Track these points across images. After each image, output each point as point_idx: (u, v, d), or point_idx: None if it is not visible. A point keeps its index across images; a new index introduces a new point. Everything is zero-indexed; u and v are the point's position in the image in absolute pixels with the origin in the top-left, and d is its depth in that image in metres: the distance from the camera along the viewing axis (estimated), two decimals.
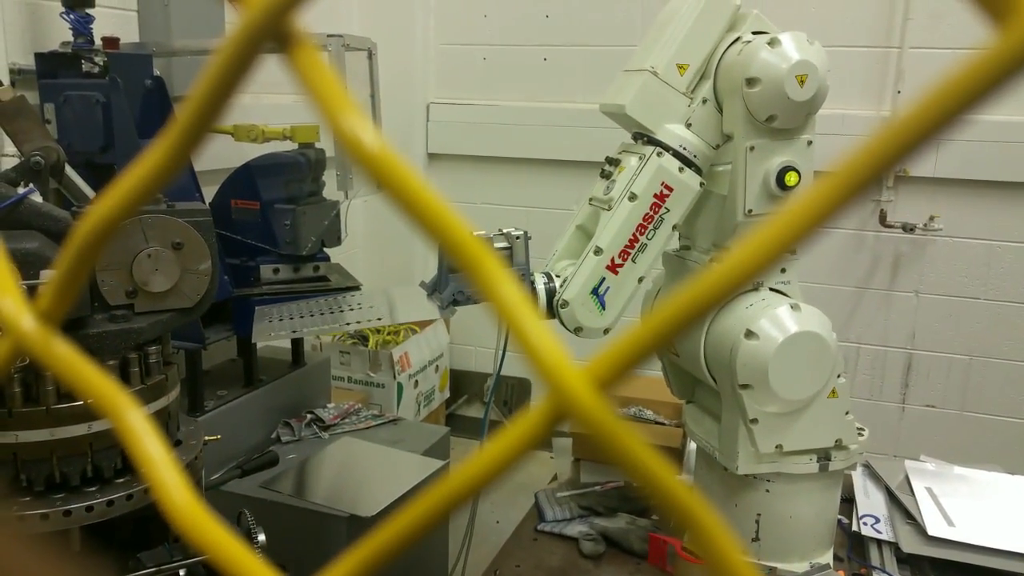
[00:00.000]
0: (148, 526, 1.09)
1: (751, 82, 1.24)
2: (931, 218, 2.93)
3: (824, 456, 1.38)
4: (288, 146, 1.95)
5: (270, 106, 2.41)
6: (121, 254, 1.03)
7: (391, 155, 0.17)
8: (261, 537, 1.18)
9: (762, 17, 1.33)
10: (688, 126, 1.32)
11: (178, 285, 1.07)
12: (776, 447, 1.35)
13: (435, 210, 0.17)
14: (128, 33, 1.97)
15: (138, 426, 0.22)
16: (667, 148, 1.31)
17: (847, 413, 1.38)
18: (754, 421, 1.33)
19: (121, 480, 1.01)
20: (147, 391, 1.04)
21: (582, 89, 3.24)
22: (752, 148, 1.28)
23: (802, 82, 1.23)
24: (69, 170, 1.28)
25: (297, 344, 2.22)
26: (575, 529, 1.60)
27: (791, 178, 1.27)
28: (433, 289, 1.55)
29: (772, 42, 1.24)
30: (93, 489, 0.99)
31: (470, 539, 1.74)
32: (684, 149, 1.31)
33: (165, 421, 1.09)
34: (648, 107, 1.32)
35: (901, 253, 3.07)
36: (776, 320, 1.30)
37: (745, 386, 1.30)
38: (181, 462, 1.09)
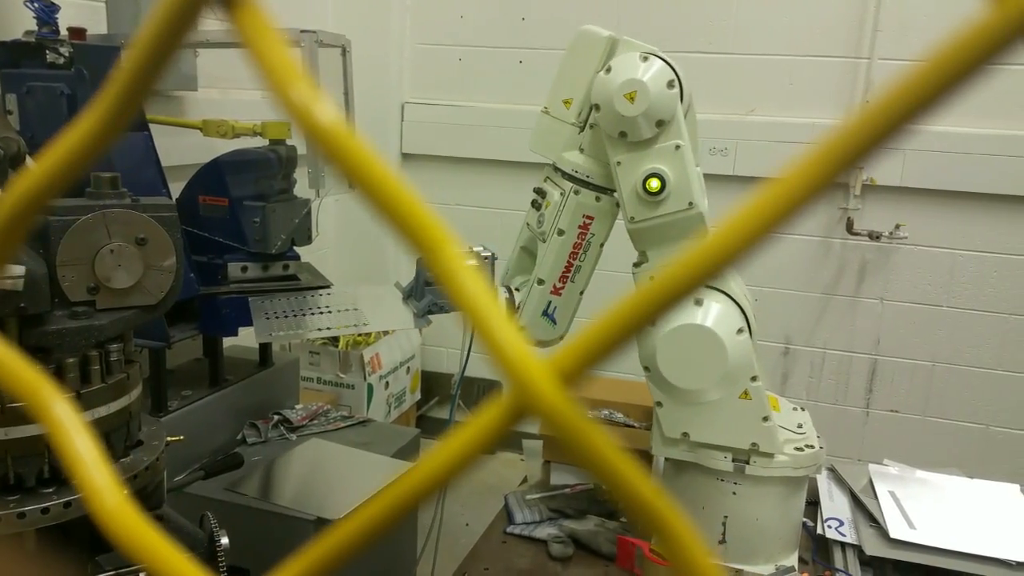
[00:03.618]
0: None
1: (595, 108, 1.37)
2: (897, 226, 2.99)
3: (742, 459, 1.41)
4: (259, 142, 1.92)
5: (240, 102, 2.37)
6: (83, 249, 1.01)
7: (344, 128, 0.16)
8: (225, 540, 1.16)
9: (631, 41, 1.41)
10: (581, 151, 1.45)
11: (141, 282, 1.04)
12: (683, 434, 1.43)
13: (392, 190, 0.16)
14: (96, 24, 1.93)
15: (65, 420, 0.21)
16: (565, 174, 1.45)
17: (765, 419, 1.40)
18: (659, 404, 1.43)
19: None
20: (108, 390, 1.01)
21: None
22: (619, 163, 1.38)
23: (632, 99, 1.32)
24: (30, 162, 1.25)
25: (265, 344, 2.18)
26: (544, 531, 1.59)
27: (653, 183, 1.36)
28: (409, 295, 1.56)
29: (608, 68, 1.35)
30: (50, 491, 0.96)
31: (427, 541, 1.73)
32: (576, 172, 1.44)
33: (127, 421, 1.06)
34: (544, 141, 1.49)
35: (867, 261, 3.12)
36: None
37: (646, 368, 1.41)
38: (142, 463, 1.06)
